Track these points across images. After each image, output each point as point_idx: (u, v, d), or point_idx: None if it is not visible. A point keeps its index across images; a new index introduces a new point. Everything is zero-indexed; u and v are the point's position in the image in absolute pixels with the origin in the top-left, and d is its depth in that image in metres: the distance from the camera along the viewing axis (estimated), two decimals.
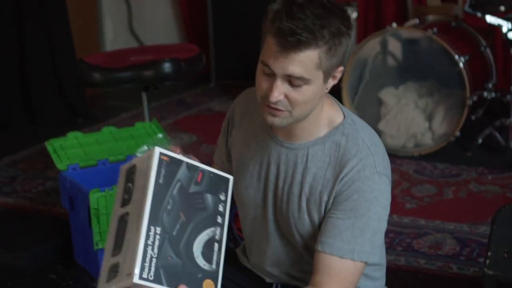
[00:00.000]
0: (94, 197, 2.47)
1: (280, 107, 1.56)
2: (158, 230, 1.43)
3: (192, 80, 5.44)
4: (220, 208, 1.55)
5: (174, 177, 1.48)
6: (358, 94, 3.94)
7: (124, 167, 1.57)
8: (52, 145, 2.82)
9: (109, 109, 4.89)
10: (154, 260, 1.41)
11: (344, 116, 1.67)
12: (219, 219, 1.55)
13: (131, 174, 1.53)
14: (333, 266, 1.60)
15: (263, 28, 1.58)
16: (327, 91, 1.62)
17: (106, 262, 1.49)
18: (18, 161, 3.97)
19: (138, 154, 1.55)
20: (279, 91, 1.54)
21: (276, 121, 1.59)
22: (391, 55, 4.13)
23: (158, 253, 1.42)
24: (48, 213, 3.25)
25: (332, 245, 1.59)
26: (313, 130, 1.66)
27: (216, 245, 1.52)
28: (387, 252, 2.61)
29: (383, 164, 1.63)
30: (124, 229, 1.47)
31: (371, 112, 3.90)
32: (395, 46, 4.07)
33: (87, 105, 4.85)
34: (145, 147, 1.57)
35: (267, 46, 1.55)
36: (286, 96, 1.55)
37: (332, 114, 1.67)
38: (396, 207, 3.12)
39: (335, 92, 3.78)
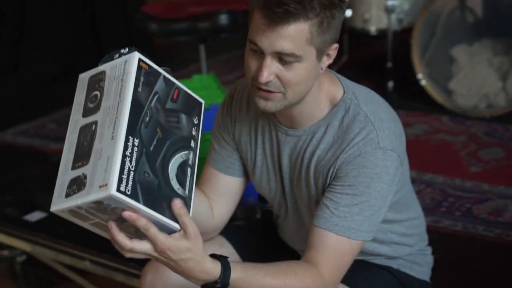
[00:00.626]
0: None
1: (272, 89, 1.47)
2: (136, 141, 1.29)
3: None
4: (194, 132, 1.44)
5: (152, 87, 1.35)
6: (428, 50, 3.78)
7: (86, 74, 1.42)
8: None
9: (177, 61, 4.89)
10: (131, 173, 1.26)
11: (344, 91, 1.57)
12: (192, 143, 1.43)
13: (98, 81, 1.37)
14: (328, 242, 1.52)
15: (249, 4, 1.46)
16: (322, 71, 1.52)
17: (63, 177, 1.32)
18: None
19: (102, 64, 1.40)
20: (269, 71, 1.44)
21: (269, 105, 1.50)
22: (469, 10, 3.94)
23: (136, 166, 1.28)
24: None
25: (328, 220, 1.52)
26: (315, 112, 1.57)
27: (189, 170, 1.40)
28: (444, 217, 2.58)
29: (389, 139, 1.53)
30: (90, 140, 1.31)
31: (441, 70, 3.74)
32: (473, 1, 3.87)
33: (154, 54, 4.87)
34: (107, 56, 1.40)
35: (254, 22, 1.44)
36: (277, 76, 1.46)
37: (332, 91, 1.57)
38: (459, 170, 3.02)
39: (405, 47, 3.72)
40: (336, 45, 1.51)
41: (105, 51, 4.61)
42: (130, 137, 1.28)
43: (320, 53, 1.47)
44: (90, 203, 1.26)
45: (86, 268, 2.56)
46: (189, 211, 1.37)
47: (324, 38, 1.45)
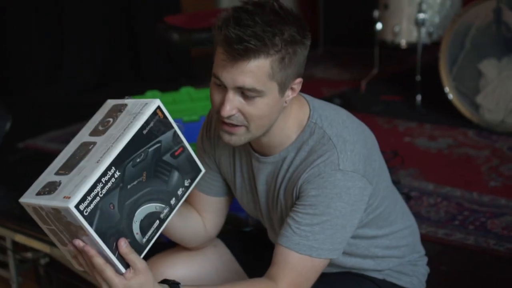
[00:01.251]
0: None
1: (234, 122, 1.49)
2: (117, 174, 1.35)
3: None
4: (179, 192, 1.49)
5: (157, 135, 1.42)
6: (456, 64, 3.76)
7: (112, 101, 1.51)
8: None
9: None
10: (97, 198, 1.32)
11: (310, 113, 1.58)
12: (173, 201, 1.48)
13: (117, 111, 1.45)
14: (290, 260, 1.53)
15: (213, 38, 1.48)
16: (286, 104, 1.53)
17: (45, 176, 1.41)
18: None
19: (129, 98, 1.49)
20: (231, 105, 1.46)
21: (233, 139, 1.52)
22: (504, 25, 3.90)
23: (105, 195, 1.34)
24: None
25: (289, 239, 1.54)
26: (283, 139, 1.59)
27: (156, 222, 1.45)
28: (457, 230, 2.56)
29: (351, 161, 1.53)
30: (82, 156, 1.39)
31: (469, 84, 3.72)
32: (509, 16, 3.82)
33: (190, 65, 4.95)
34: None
35: (217, 56, 1.46)
36: (240, 111, 1.48)
37: (300, 116, 1.59)
38: (478, 184, 2.99)
39: (434, 61, 3.71)
40: (299, 79, 1.52)
41: (142, 62, 4.76)
42: (113, 167, 1.34)
43: (283, 88, 1.49)
44: (50, 208, 1.32)
45: None
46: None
47: (286, 73, 1.47)
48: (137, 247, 1.41)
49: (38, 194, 1.36)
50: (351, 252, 1.69)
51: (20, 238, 2.82)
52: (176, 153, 1.46)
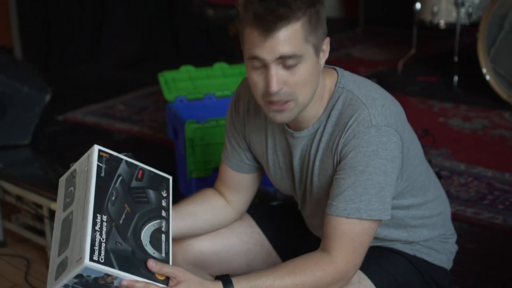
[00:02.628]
0: (190, 127, 2.56)
1: (283, 98, 1.52)
2: (104, 218, 1.45)
3: (339, 23, 5.41)
4: (164, 203, 1.58)
5: (115, 172, 1.52)
6: (495, 45, 3.71)
7: (62, 178, 1.62)
8: (165, 77, 2.95)
9: None
10: (103, 244, 1.42)
11: (337, 79, 1.62)
12: (164, 213, 1.57)
13: (71, 179, 1.57)
14: (339, 228, 1.56)
15: (238, 28, 1.53)
16: (321, 67, 1.56)
17: (53, 264, 1.50)
18: (154, 92, 4.18)
19: (73, 164, 1.60)
20: (278, 79, 1.49)
21: (285, 116, 1.55)
22: None
23: (107, 238, 1.43)
24: (164, 142, 3.39)
25: (336, 207, 1.56)
26: (318, 109, 1.62)
27: (163, 235, 1.54)
28: (485, 209, 2.55)
29: (383, 115, 1.55)
30: (69, 228, 1.49)
31: (507, 66, 3.66)
32: None
33: (228, 44, 4.98)
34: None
35: (249, 39, 1.49)
36: (285, 84, 1.50)
37: (329, 84, 1.62)
38: (511, 165, 2.96)
39: (472, 42, 3.67)
40: (328, 39, 1.56)
41: (181, 38, 4.78)
42: (98, 214, 1.45)
43: (317, 50, 1.52)
44: (73, 279, 1.43)
45: None
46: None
47: (317, 34, 1.51)
48: (162, 261, 1.51)
49: (56, 278, 1.47)
50: (386, 223, 1.71)
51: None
52: (139, 176, 1.57)
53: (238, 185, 1.83)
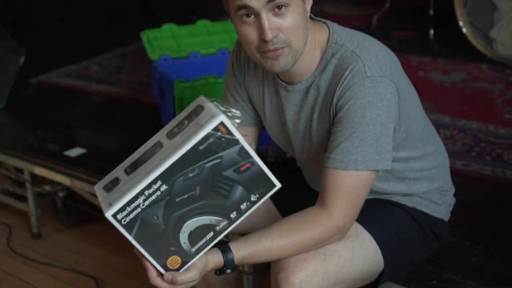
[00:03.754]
0: (179, 87, 2.52)
1: (278, 45, 1.50)
2: (163, 188, 1.38)
3: None
4: (243, 206, 1.47)
5: (217, 151, 1.39)
6: None
7: (200, 99, 1.49)
8: (147, 36, 2.90)
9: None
10: (138, 209, 1.37)
11: (329, 35, 1.61)
12: (233, 215, 1.47)
13: (195, 113, 1.45)
14: (337, 180, 1.56)
15: None
16: (308, 14, 1.57)
17: (118, 169, 1.48)
18: (128, 53, 4.11)
19: (215, 101, 1.47)
20: (271, 26, 1.48)
21: (281, 61, 1.54)
22: None
23: (147, 207, 1.38)
24: (146, 102, 3.35)
25: (333, 159, 1.56)
26: (311, 63, 1.62)
27: (210, 233, 1.46)
28: (474, 161, 2.58)
29: (378, 66, 1.55)
30: (148, 157, 1.43)
31: (483, 18, 3.69)
32: None
33: (202, 2, 4.91)
34: (214, 105, 1.46)
35: None
36: (279, 30, 1.49)
37: (322, 38, 1.62)
38: (494, 117, 3.00)
39: None
40: None
41: None
42: (159, 181, 1.37)
43: None
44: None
45: None
46: (184, 264, 1.48)
47: None
48: (184, 255, 1.45)
49: (104, 188, 1.45)
50: (385, 176, 1.71)
51: (40, 171, 2.86)
52: (242, 169, 1.43)
53: None
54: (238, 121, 1.42)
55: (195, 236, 1.44)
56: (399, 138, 1.65)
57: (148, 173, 1.36)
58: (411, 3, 4.59)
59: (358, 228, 1.69)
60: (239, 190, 1.44)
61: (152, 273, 1.47)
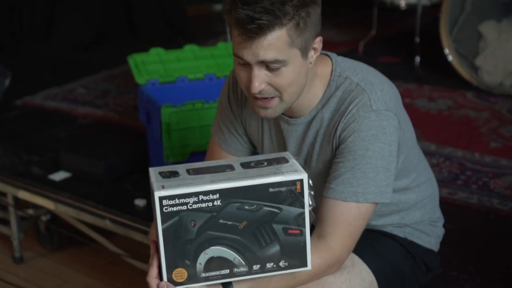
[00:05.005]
0: (166, 112, 2.51)
1: (267, 95, 1.51)
2: (217, 203, 1.37)
3: None
4: (269, 265, 1.44)
5: (281, 203, 1.39)
6: (457, 26, 3.75)
7: (286, 154, 1.51)
8: (134, 60, 2.89)
9: (207, 31, 4.92)
10: (184, 207, 1.36)
11: (332, 67, 1.60)
12: (256, 267, 1.43)
13: (278, 161, 1.46)
14: (336, 211, 1.56)
15: (227, 22, 1.49)
16: (311, 65, 1.55)
17: (179, 166, 1.46)
18: (114, 75, 4.10)
19: (298, 160, 1.50)
20: (259, 80, 1.47)
21: (269, 112, 1.54)
22: None
23: (193, 210, 1.36)
24: (133, 126, 3.34)
25: (334, 189, 1.56)
26: (312, 98, 1.61)
27: (226, 270, 1.43)
28: (460, 189, 2.59)
29: (383, 100, 1.56)
30: (214, 170, 1.43)
31: (469, 46, 3.72)
32: None
33: (187, 25, 4.92)
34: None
35: (234, 38, 1.47)
36: (269, 84, 1.49)
37: (324, 73, 1.61)
38: (480, 145, 3.02)
39: (433, 23, 3.71)
40: (319, 38, 1.53)
41: (137, 20, 4.68)
42: (218, 194, 1.36)
43: (305, 51, 1.50)
44: (152, 187, 1.40)
45: (106, 226, 2.63)
46: (189, 279, 1.42)
47: (305, 37, 1.48)
48: (192, 274, 1.42)
49: (160, 173, 1.42)
50: (381, 211, 1.71)
51: (24, 195, 2.83)
52: (290, 231, 1.42)
53: None
54: (312, 192, 1.43)
55: (213, 264, 1.41)
56: (397, 169, 1.66)
57: (213, 182, 1.36)
58: (397, 30, 4.63)
59: (354, 258, 1.68)
60: (276, 248, 1.42)
61: (153, 272, 1.44)
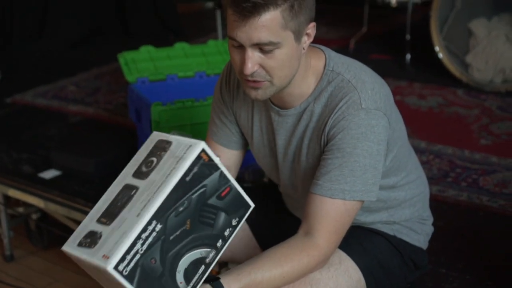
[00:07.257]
0: (156, 110, 2.51)
1: (258, 78, 1.51)
2: (158, 227, 1.32)
3: None
4: (226, 233, 1.44)
5: (202, 180, 1.37)
6: (447, 23, 3.76)
7: (157, 135, 1.46)
8: (124, 58, 2.88)
9: (198, 28, 4.91)
10: (137, 256, 1.30)
11: (325, 62, 1.61)
12: (219, 243, 1.43)
13: (161, 148, 1.42)
14: (323, 207, 1.56)
15: (222, 2, 1.50)
16: (304, 51, 1.55)
17: (87, 223, 1.39)
18: (105, 73, 4.09)
19: (175, 134, 1.44)
20: (252, 62, 1.48)
21: (260, 93, 1.55)
22: None
23: (145, 251, 1.31)
24: (124, 124, 3.33)
25: (321, 186, 1.56)
26: (304, 90, 1.61)
27: (202, 267, 1.41)
28: (450, 187, 2.59)
29: (373, 99, 1.56)
30: (124, 202, 1.36)
31: (459, 44, 3.73)
32: None
33: (178, 22, 4.91)
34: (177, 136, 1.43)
35: (228, 19, 1.48)
36: (261, 66, 1.50)
37: (318, 66, 1.62)
38: (469, 142, 3.02)
39: (424, 20, 3.72)
40: (313, 24, 1.54)
41: (129, 17, 4.68)
42: (154, 221, 1.30)
43: (298, 35, 1.50)
44: (91, 264, 1.32)
45: None
46: None
47: (299, 20, 1.49)
48: None
49: (80, 245, 1.35)
50: (369, 208, 1.72)
51: (14, 193, 2.82)
52: (223, 194, 1.41)
53: (226, 162, 1.79)
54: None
55: (189, 273, 1.39)
56: (386, 167, 1.66)
57: (139, 216, 1.30)
58: (388, 27, 4.64)
59: (342, 255, 1.69)
60: (222, 216, 1.42)
61: None
